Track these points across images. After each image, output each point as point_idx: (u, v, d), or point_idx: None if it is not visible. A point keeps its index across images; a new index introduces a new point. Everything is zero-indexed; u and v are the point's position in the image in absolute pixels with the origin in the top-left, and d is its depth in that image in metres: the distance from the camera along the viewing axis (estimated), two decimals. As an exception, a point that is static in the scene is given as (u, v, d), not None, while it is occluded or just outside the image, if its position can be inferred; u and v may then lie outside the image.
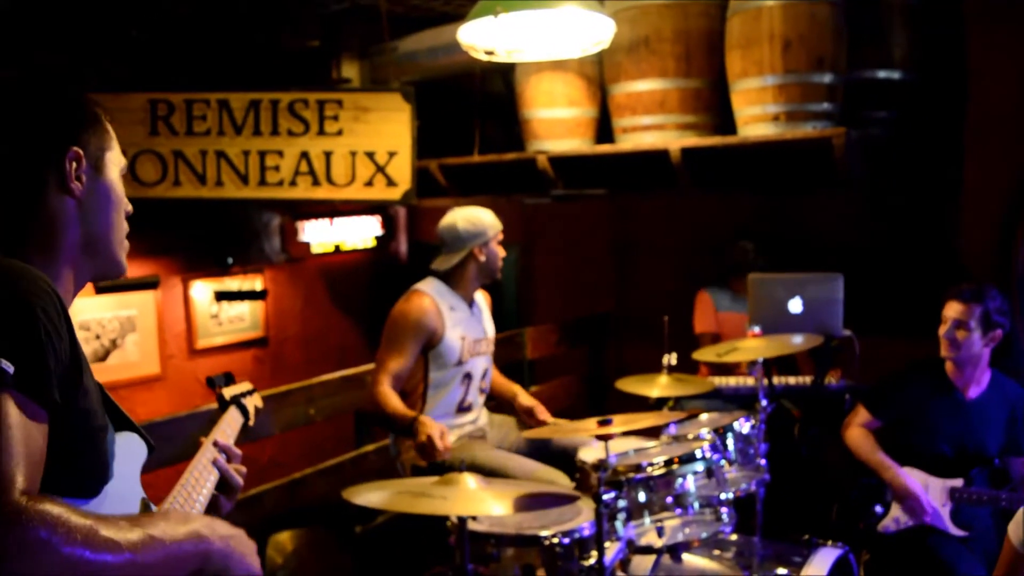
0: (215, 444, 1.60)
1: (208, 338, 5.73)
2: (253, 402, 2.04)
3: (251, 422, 1.99)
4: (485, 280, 3.48)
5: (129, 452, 1.34)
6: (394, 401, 3.15)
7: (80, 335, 5.10)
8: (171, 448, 3.11)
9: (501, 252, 3.46)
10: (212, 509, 1.50)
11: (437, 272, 3.41)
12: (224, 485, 1.55)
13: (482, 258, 3.39)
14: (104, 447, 1.22)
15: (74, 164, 1.27)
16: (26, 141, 1.24)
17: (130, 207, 1.39)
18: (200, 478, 1.47)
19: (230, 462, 1.59)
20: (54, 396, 1.08)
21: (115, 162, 1.36)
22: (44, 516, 0.98)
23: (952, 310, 3.16)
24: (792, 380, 3.96)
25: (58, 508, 1.00)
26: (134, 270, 5.24)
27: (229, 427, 1.82)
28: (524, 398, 3.56)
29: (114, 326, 5.16)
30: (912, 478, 3.17)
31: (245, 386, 2.08)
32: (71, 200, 1.27)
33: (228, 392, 2.00)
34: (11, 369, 1.03)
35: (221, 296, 5.72)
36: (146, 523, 1.10)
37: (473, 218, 3.40)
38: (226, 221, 5.64)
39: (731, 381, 3.96)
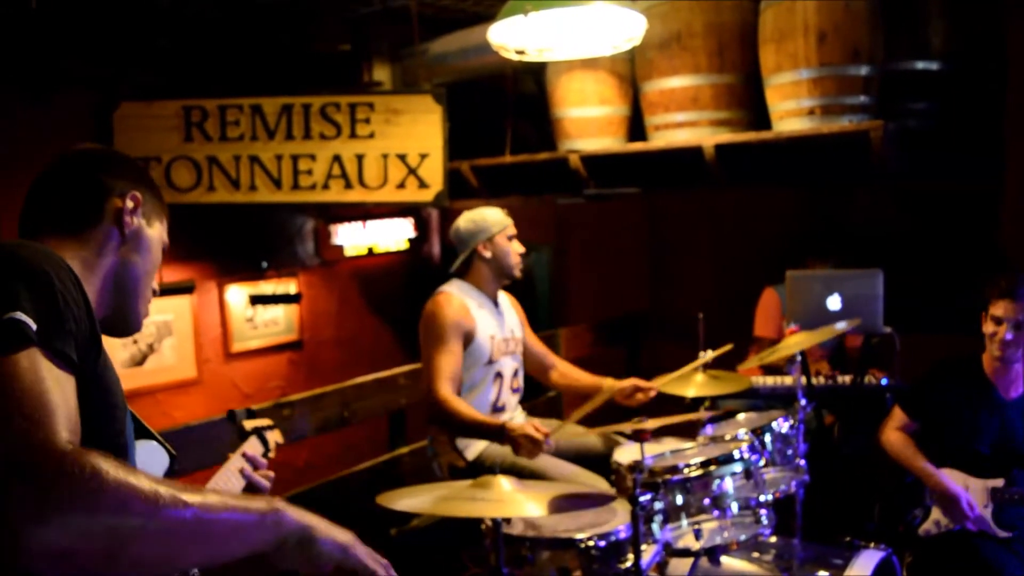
0: (243, 455, 1.70)
1: (243, 342, 5.76)
2: (274, 437, 2.05)
3: (272, 454, 2.00)
4: (502, 279, 3.40)
5: (150, 461, 1.35)
6: (468, 408, 3.10)
7: (118, 339, 5.15)
8: (207, 452, 3.13)
9: (517, 248, 3.37)
10: None
11: (456, 273, 3.39)
12: (252, 491, 1.66)
13: (487, 254, 3.32)
14: (123, 427, 1.25)
15: (131, 203, 1.41)
16: (101, 172, 1.42)
17: (157, 286, 1.51)
18: (227, 486, 1.57)
19: (256, 470, 1.70)
20: (72, 355, 1.11)
21: (161, 234, 1.50)
22: (96, 465, 0.97)
23: (1006, 309, 3.01)
24: (828, 379, 3.87)
25: (110, 460, 0.99)
26: (170, 275, 5.30)
27: (253, 451, 1.86)
28: (619, 384, 3.37)
29: (150, 331, 5.21)
30: (955, 483, 3.10)
31: (265, 421, 2.09)
32: (118, 234, 1.40)
33: (249, 424, 2.01)
34: (35, 326, 1.07)
35: (256, 300, 5.75)
36: (206, 490, 1.10)
37: (475, 216, 3.37)
38: (260, 225, 5.68)
39: (769, 381, 3.89)
